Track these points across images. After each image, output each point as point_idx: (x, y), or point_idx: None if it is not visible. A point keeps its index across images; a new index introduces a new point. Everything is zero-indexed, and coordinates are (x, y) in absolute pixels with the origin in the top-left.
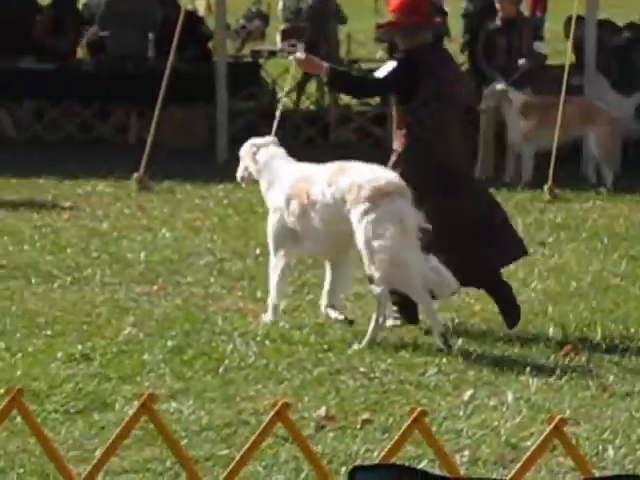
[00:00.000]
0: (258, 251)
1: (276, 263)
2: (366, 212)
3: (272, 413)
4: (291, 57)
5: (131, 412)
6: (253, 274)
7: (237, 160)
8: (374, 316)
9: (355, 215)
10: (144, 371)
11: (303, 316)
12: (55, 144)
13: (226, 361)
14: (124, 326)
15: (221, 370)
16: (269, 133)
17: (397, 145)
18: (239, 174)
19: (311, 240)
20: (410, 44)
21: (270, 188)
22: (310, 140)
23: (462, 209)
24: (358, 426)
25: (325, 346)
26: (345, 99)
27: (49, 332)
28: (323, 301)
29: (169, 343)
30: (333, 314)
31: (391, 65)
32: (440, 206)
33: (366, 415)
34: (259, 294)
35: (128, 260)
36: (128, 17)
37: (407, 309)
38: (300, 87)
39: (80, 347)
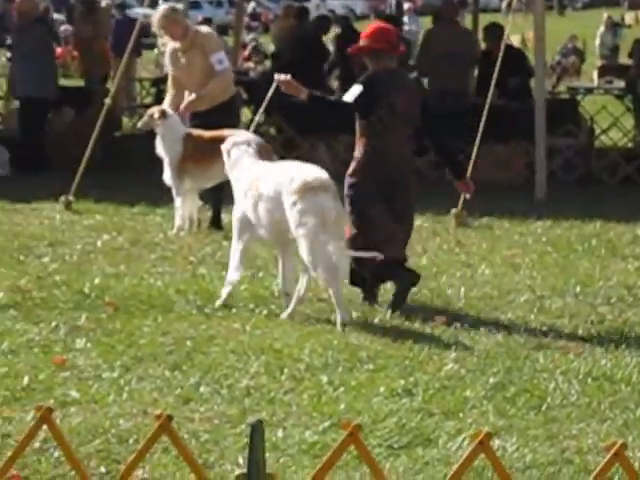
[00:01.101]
0: (578, 289)
1: (236, 246)
2: (294, 203)
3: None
4: (276, 76)
5: (455, 448)
6: (573, 312)
7: (557, 197)
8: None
9: (286, 205)
10: (466, 407)
11: (625, 354)
12: None
13: (548, 399)
14: (446, 362)
15: (544, 408)
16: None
17: (357, 153)
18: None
19: (261, 227)
20: (376, 67)
21: (236, 182)
22: (627, 179)
23: (394, 213)
24: None
25: None
26: None
27: (371, 366)
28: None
29: (491, 380)
30: (288, 302)
31: (357, 89)
32: (382, 208)
33: None
34: (580, 332)
35: (447, 296)
36: (448, 53)
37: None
38: None
39: (402, 382)
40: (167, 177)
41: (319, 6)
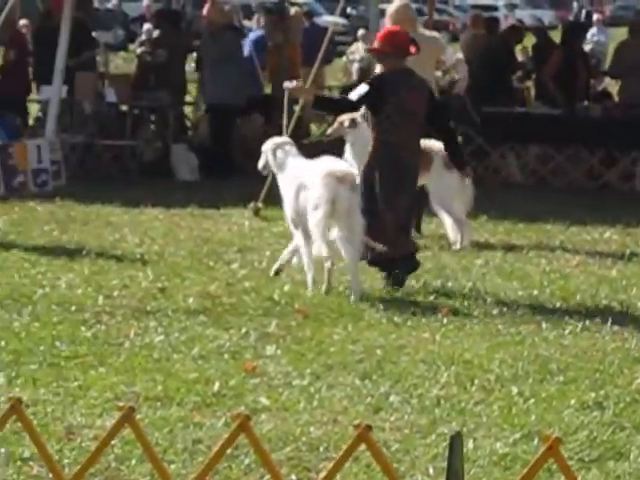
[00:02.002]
0: None
1: (299, 236)
2: (314, 187)
3: None
4: (285, 85)
5: None
6: None
7: None
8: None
9: (309, 187)
10: None
11: None
12: (561, 189)
13: None
14: (636, 375)
15: None
16: None
17: (371, 147)
18: (260, 164)
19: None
20: (384, 67)
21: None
22: None
23: (405, 201)
24: None
25: None
26: None
27: (561, 378)
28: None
29: None
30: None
31: (363, 88)
32: (394, 196)
33: None
34: None
35: (638, 309)
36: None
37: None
38: None
39: (593, 395)
40: None
41: (507, 16)
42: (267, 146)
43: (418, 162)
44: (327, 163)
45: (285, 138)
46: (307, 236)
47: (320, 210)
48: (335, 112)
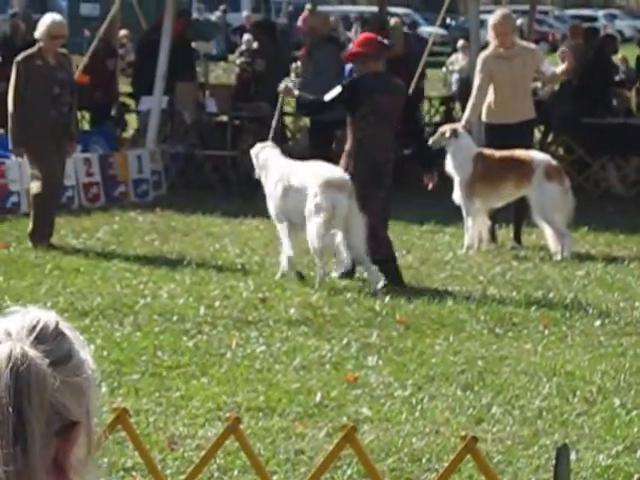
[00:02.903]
0: None
1: (282, 227)
2: (314, 195)
3: None
4: (281, 85)
5: None
6: None
7: None
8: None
9: (309, 195)
10: None
11: None
12: None
13: None
14: None
15: None
16: None
17: (347, 145)
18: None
19: (292, 213)
20: (362, 70)
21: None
22: None
23: (381, 197)
24: None
25: None
26: None
27: None
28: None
29: None
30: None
31: (337, 90)
32: (370, 192)
33: None
34: None
35: None
36: None
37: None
38: None
39: None
40: (457, 196)
41: (606, 27)
42: (253, 150)
43: (392, 159)
44: (323, 169)
45: (268, 142)
46: (291, 230)
47: (320, 217)
48: (313, 110)
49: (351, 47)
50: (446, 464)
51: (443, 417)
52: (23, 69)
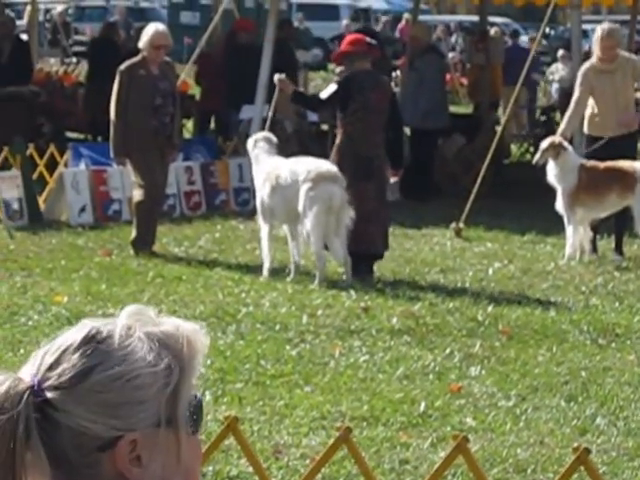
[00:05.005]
0: None
1: (264, 228)
2: (308, 189)
3: None
4: (275, 77)
5: None
6: None
7: None
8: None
9: (302, 190)
10: None
11: None
12: None
13: None
14: None
15: None
16: None
17: (337, 140)
18: None
19: (278, 210)
20: (350, 68)
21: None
22: None
23: (372, 190)
24: None
25: None
26: None
27: None
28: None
29: None
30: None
31: (332, 87)
32: (360, 186)
33: None
34: None
35: None
36: None
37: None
38: None
39: None
40: (560, 206)
41: None
42: (249, 142)
43: (381, 154)
44: (314, 164)
45: (265, 133)
46: (272, 234)
47: (316, 209)
48: (308, 107)
49: (342, 46)
50: (551, 475)
51: (547, 428)
52: (127, 78)
